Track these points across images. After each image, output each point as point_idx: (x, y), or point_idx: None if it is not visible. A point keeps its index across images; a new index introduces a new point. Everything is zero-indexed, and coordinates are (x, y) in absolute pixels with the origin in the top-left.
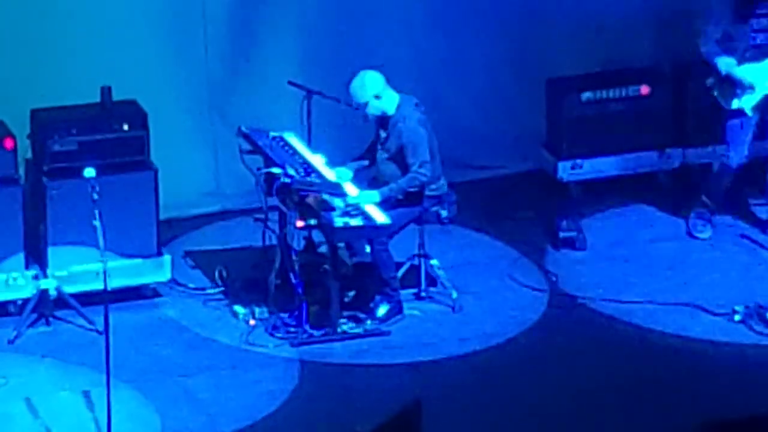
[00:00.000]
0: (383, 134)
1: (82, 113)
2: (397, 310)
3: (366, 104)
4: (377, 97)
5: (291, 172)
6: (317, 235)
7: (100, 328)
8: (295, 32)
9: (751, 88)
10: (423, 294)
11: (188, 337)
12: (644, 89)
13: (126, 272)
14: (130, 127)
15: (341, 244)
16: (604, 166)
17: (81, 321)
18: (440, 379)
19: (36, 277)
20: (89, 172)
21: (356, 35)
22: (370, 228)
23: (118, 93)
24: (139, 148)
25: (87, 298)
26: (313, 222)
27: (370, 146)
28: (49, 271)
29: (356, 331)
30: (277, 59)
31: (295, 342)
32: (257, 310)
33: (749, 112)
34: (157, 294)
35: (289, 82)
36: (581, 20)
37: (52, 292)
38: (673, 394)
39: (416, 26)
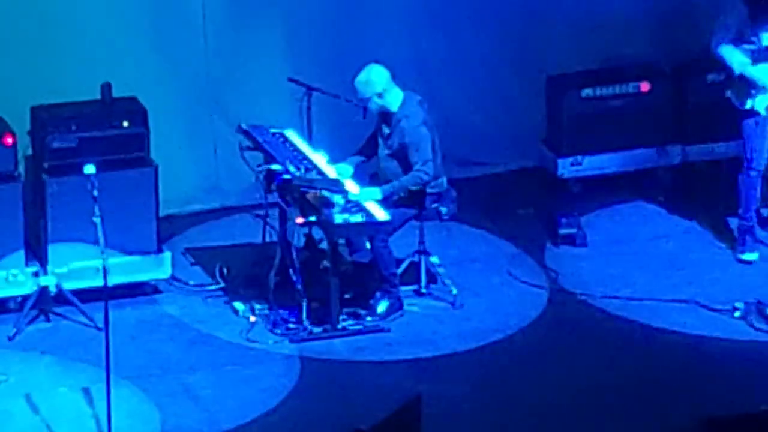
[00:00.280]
0: (386, 130)
1: (82, 110)
2: (397, 306)
3: (370, 99)
4: (382, 93)
5: (291, 168)
6: (317, 232)
7: (100, 324)
8: (295, 29)
9: (765, 88)
10: (423, 290)
11: (188, 334)
12: (644, 86)
13: (126, 269)
14: (130, 123)
15: (341, 241)
16: (604, 162)
17: (81, 318)
18: (440, 375)
19: (36, 274)
20: (89, 168)
21: (356, 32)
22: (371, 225)
23: (118, 89)
24: (139, 144)
25: (87, 295)
26: (313, 219)
27: (368, 140)
28: (49, 268)
29: (356, 327)
30: (277, 56)
31: (294, 338)
32: (257, 306)
33: (763, 112)
34: (157, 291)
35: (290, 79)
36: (581, 17)
37: (52, 289)
38: (673, 391)
39: (416, 23)
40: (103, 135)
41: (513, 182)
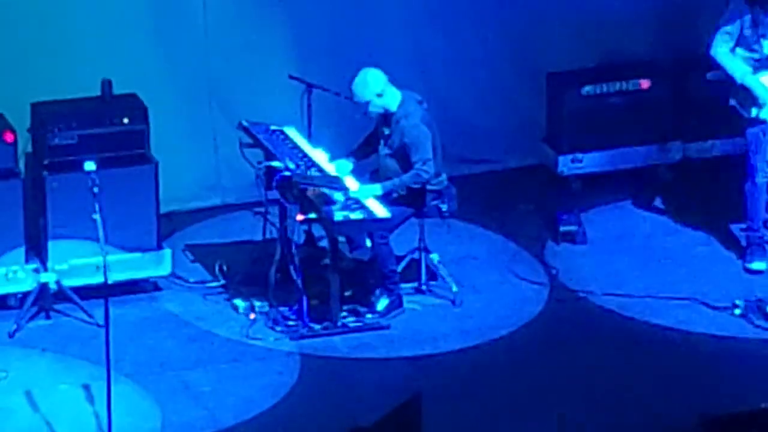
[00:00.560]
0: (386, 131)
1: (82, 107)
2: (397, 303)
3: (368, 102)
4: (379, 95)
5: (291, 165)
6: (317, 229)
7: (101, 321)
8: (295, 26)
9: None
10: (423, 288)
11: (188, 331)
12: (644, 83)
13: (126, 266)
14: (130, 120)
15: (341, 238)
16: (605, 160)
17: (81, 314)
18: (440, 372)
19: (36, 271)
20: (89, 165)
21: (357, 29)
22: (371, 222)
23: (118, 86)
24: (139, 141)
25: (87, 292)
26: (313, 216)
27: (367, 139)
28: (49, 265)
29: (356, 324)
30: (277, 53)
31: (295, 336)
32: (257, 303)
33: None
34: (157, 288)
35: (290, 76)
36: (581, 15)
37: (52, 286)
38: (673, 388)
39: (417, 21)
40: (103, 132)
41: (513, 179)
